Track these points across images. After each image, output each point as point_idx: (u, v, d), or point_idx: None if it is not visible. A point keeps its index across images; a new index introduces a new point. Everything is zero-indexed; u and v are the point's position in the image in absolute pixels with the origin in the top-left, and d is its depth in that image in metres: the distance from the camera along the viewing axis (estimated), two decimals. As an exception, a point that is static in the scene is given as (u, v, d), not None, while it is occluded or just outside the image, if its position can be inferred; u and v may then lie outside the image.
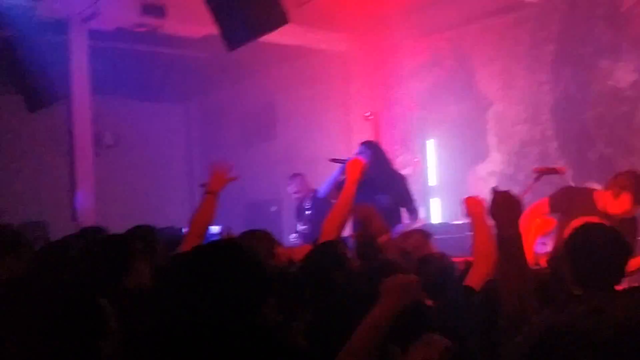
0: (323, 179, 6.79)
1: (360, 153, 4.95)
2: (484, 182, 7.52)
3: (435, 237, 4.19)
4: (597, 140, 6.53)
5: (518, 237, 2.04)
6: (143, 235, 3.42)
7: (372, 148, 5.27)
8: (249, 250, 1.80)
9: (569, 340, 0.76)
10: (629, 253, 2.39)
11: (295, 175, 6.79)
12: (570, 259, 2.29)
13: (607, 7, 6.46)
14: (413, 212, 5.31)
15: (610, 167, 6.39)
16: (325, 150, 8.37)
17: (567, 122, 6.78)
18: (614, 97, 6.39)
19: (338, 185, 4.86)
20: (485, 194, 8.04)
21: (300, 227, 6.39)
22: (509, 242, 2.01)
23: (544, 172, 4.39)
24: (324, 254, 2.72)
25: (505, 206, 2.07)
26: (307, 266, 2.63)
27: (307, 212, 6.21)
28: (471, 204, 2.97)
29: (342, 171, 4.91)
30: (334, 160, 5.03)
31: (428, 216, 7.93)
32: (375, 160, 5.05)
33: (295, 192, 6.64)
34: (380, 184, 4.99)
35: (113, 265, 2.43)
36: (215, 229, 6.10)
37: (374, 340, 1.68)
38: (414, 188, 8.06)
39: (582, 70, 6.65)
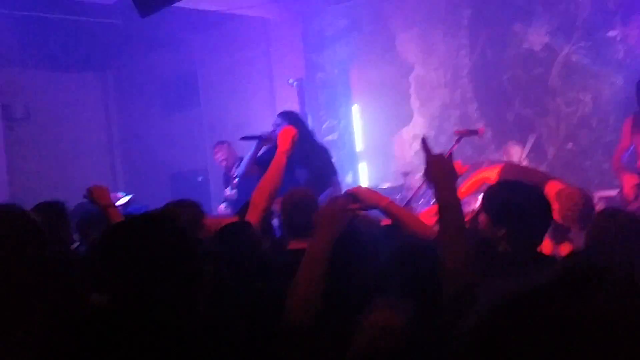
0: (248, 146, 6.73)
1: (276, 125, 4.71)
2: (408, 145, 7.66)
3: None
4: (514, 102, 6.74)
5: (458, 202, 1.96)
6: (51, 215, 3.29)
7: (289, 119, 4.86)
8: (173, 223, 1.72)
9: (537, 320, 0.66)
10: (550, 212, 2.49)
11: (221, 142, 6.69)
12: (495, 215, 2.36)
13: (521, -30, 6.61)
14: (335, 184, 5.09)
15: (528, 126, 6.64)
16: (250, 117, 8.28)
17: (485, 84, 6.96)
18: (529, 59, 6.59)
19: (256, 162, 4.77)
20: (411, 157, 8.22)
21: (229, 193, 6.32)
22: (449, 208, 1.91)
23: (464, 134, 4.49)
24: (233, 234, 2.67)
25: (442, 171, 2.00)
26: (216, 245, 2.59)
27: (235, 180, 6.12)
28: (282, 137, 3.11)
29: (258, 147, 4.82)
30: (245, 139, 4.92)
31: (356, 180, 8.02)
32: (296, 141, 4.66)
33: (221, 160, 6.55)
34: (299, 157, 4.60)
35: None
36: (125, 199, 5.92)
37: (315, 271, 1.82)
38: (341, 154, 8.14)
39: (498, 33, 6.82)
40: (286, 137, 3.37)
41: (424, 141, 2.11)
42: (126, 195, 5.90)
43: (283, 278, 2.06)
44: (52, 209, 3.36)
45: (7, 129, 7.11)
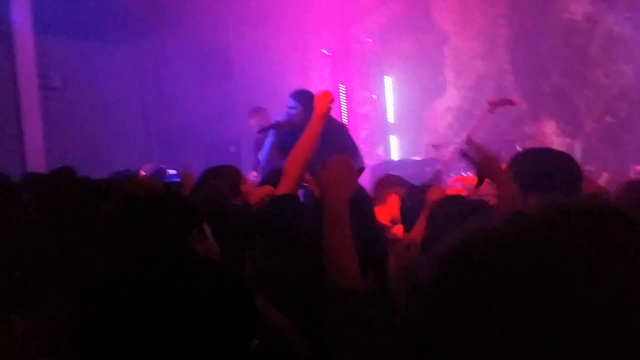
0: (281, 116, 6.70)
1: (291, 108, 4.61)
2: (441, 118, 7.55)
3: (395, 173, 4.18)
4: (552, 73, 6.56)
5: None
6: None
7: (303, 101, 4.57)
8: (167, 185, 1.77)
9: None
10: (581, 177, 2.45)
11: (256, 108, 6.65)
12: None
13: (564, -63, 6.39)
14: (358, 161, 4.99)
15: (565, 99, 6.47)
16: (283, 87, 8.25)
17: (523, 55, 6.79)
18: (569, 30, 6.39)
19: (277, 147, 4.70)
20: (444, 129, 8.07)
21: (262, 160, 6.32)
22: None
23: (497, 104, 4.39)
24: (281, 207, 2.62)
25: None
26: (263, 217, 2.56)
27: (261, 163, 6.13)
28: (319, 101, 3.02)
29: (275, 134, 4.78)
30: (263, 130, 4.90)
31: (387, 153, 7.96)
32: (309, 114, 4.44)
33: (257, 126, 6.52)
34: (322, 136, 4.55)
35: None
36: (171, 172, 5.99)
37: (341, 236, 1.72)
38: (373, 125, 8.07)
39: (537, 3, 6.62)
40: (324, 100, 3.21)
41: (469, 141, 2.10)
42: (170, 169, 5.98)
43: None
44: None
45: (44, 99, 7.21)
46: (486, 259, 0.60)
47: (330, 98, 3.28)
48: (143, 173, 5.44)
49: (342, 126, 5.04)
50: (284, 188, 2.99)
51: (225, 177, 3.02)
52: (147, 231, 1.59)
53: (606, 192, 3.15)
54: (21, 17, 6.62)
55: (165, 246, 1.56)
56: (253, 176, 6.37)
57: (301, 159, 3.02)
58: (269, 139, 4.85)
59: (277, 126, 4.68)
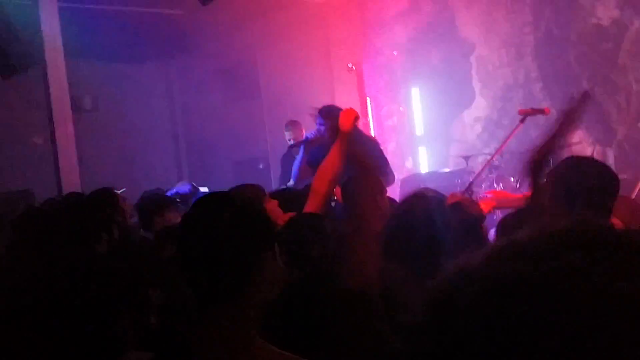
0: (308, 131, 6.73)
1: (320, 124, 4.61)
2: (470, 128, 7.50)
3: (424, 186, 4.18)
4: (581, 80, 6.49)
5: None
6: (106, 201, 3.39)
7: (330, 117, 4.52)
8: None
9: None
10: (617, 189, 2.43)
11: (291, 122, 6.68)
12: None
13: (588, -58, 6.33)
14: (389, 176, 4.88)
15: (596, 105, 6.38)
16: (309, 103, 8.28)
17: (551, 62, 6.72)
18: (597, 35, 6.32)
19: (308, 163, 4.68)
20: (473, 140, 8.05)
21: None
22: None
23: (528, 114, 4.35)
24: (302, 225, 2.63)
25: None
26: (285, 234, 2.57)
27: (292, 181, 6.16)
28: (344, 118, 2.98)
29: (305, 151, 4.79)
30: (292, 147, 4.92)
31: (416, 165, 7.92)
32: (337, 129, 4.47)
33: (292, 139, 6.54)
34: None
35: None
36: (203, 189, 6.06)
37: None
38: (401, 138, 8.05)
39: (563, 8, 6.56)
40: (348, 117, 3.21)
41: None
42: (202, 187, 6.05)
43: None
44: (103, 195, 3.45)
45: (77, 120, 7.36)
46: (469, 303, 0.57)
47: (354, 115, 3.29)
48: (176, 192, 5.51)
49: (372, 141, 5.04)
50: (311, 205, 3.00)
51: (250, 194, 3.06)
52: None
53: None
54: (52, 42, 6.77)
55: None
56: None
57: (328, 177, 3.03)
58: (299, 156, 4.88)
59: (307, 142, 4.71)
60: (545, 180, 2.51)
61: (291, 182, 5.42)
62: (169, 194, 6.09)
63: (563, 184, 2.31)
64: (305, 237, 2.43)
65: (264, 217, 1.58)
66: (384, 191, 3.34)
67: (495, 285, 0.56)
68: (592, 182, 2.26)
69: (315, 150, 4.61)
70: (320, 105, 5.29)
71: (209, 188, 6.39)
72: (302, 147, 4.78)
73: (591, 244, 0.57)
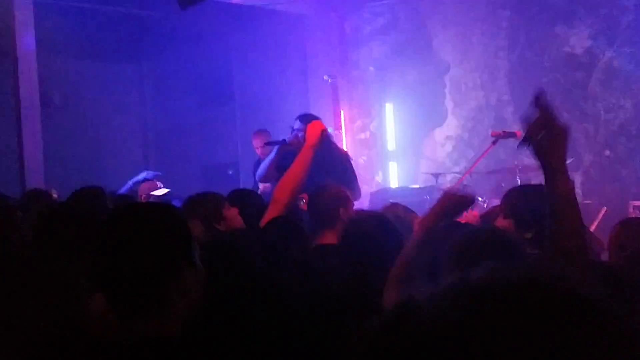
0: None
1: (297, 130, 4.59)
2: (440, 146, 7.58)
3: (393, 201, 4.19)
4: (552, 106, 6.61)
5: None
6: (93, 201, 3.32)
7: (307, 122, 4.44)
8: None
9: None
10: None
11: (260, 131, 6.67)
12: None
13: (563, -28, 6.49)
14: (356, 191, 4.94)
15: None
16: (283, 112, 8.28)
17: (523, 87, 6.84)
18: (569, 63, 6.46)
19: (275, 167, 4.64)
20: (443, 158, 8.14)
21: (262, 188, 6.30)
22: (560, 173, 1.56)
23: (500, 136, 4.42)
24: (281, 227, 2.63)
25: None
26: (264, 238, 2.56)
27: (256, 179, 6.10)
28: (311, 131, 3.02)
29: (278, 153, 4.72)
30: (269, 144, 4.82)
31: (386, 180, 7.97)
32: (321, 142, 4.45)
33: (259, 148, 6.53)
34: (321, 164, 4.31)
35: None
36: (163, 190, 5.97)
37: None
38: (372, 152, 8.09)
39: (537, 36, 6.70)
40: (315, 131, 3.22)
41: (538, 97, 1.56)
42: (164, 188, 5.94)
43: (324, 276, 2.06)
44: (93, 194, 3.38)
45: (45, 116, 7.22)
46: (411, 337, 0.58)
47: (320, 128, 3.29)
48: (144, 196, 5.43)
49: (344, 155, 5.00)
50: (271, 214, 2.99)
51: (207, 204, 3.03)
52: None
53: (593, 244, 3.13)
54: (25, 37, 6.65)
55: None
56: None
57: (290, 186, 3.04)
58: (270, 157, 4.80)
59: (283, 145, 4.60)
60: (502, 207, 2.54)
61: (257, 181, 5.36)
62: (125, 187, 6.05)
63: (524, 211, 2.34)
64: (285, 239, 2.43)
65: (180, 225, 1.51)
66: (349, 203, 3.35)
67: (441, 330, 0.57)
68: (540, 208, 2.30)
69: (288, 154, 4.55)
70: (294, 115, 5.28)
71: (177, 191, 6.30)
72: (276, 148, 4.70)
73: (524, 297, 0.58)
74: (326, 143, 4.57)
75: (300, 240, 2.56)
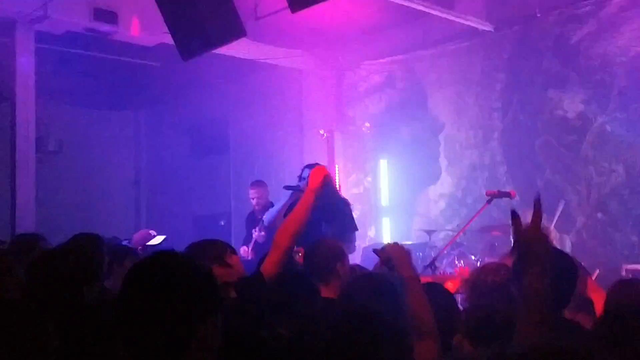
0: (275, 194, 6.72)
1: (304, 178, 4.65)
2: (434, 203, 7.60)
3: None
4: (544, 167, 6.69)
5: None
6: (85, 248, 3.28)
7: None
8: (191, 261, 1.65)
9: None
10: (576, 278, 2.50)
11: (257, 182, 6.67)
12: None
13: (556, 39, 6.66)
14: (352, 240, 4.91)
15: (557, 193, 6.56)
16: (278, 166, 8.32)
17: (516, 148, 6.93)
18: (562, 126, 6.57)
19: (286, 213, 4.66)
20: (436, 215, 8.11)
21: (256, 233, 6.25)
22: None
23: (495, 196, 4.45)
24: (294, 281, 2.61)
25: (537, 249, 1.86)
26: (275, 291, 2.54)
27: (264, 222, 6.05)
28: (313, 176, 3.06)
29: (291, 198, 4.74)
30: (287, 188, 4.84)
31: (379, 235, 7.95)
32: (324, 186, 4.54)
33: (255, 198, 6.51)
34: (325, 212, 4.57)
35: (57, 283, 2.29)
36: (159, 239, 5.92)
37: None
38: (365, 207, 8.10)
39: (531, 99, 6.83)
40: (317, 175, 3.23)
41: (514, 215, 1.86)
42: (159, 235, 5.89)
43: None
44: (91, 242, 3.33)
45: (39, 161, 7.21)
46: None
47: (323, 173, 3.30)
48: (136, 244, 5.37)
49: (345, 201, 5.07)
50: (271, 259, 2.97)
51: (211, 250, 3.00)
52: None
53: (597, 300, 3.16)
54: (24, 81, 6.70)
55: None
56: (244, 251, 6.33)
57: (290, 231, 3.02)
58: (282, 202, 4.81)
59: (298, 191, 4.58)
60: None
61: (265, 226, 5.34)
62: (124, 243, 5.95)
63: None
64: (294, 294, 2.41)
65: (209, 284, 1.53)
66: (344, 258, 3.33)
67: None
68: (556, 264, 2.31)
69: (295, 202, 4.58)
70: (288, 167, 5.33)
71: (167, 240, 6.25)
72: (290, 193, 4.70)
73: None
74: (329, 189, 4.66)
75: (310, 296, 2.53)
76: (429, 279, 4.64)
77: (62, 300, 2.21)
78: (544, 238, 1.85)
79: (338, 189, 5.20)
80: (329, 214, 4.64)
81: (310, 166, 4.92)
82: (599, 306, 2.93)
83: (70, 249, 2.72)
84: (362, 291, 2.42)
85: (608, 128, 6.26)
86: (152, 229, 6.37)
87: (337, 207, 4.85)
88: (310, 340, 1.88)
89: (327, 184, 4.57)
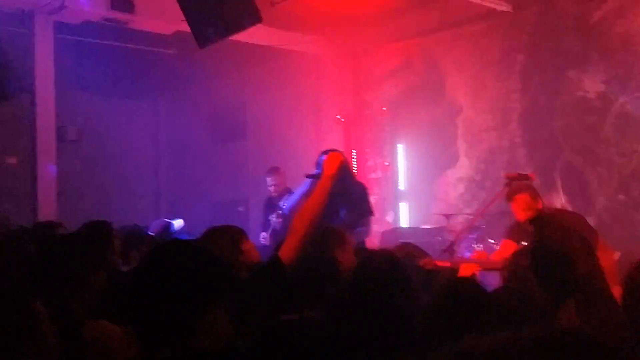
0: (293, 180, 6.73)
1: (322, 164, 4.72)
2: (452, 187, 7.56)
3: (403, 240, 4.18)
4: (564, 149, 6.61)
5: None
6: (97, 235, 3.34)
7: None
8: (201, 249, 1.75)
9: None
10: None
11: (274, 168, 6.68)
12: None
13: (576, 18, 6.55)
14: (367, 224, 5.04)
15: (577, 175, 6.49)
16: (296, 151, 8.32)
17: (536, 130, 6.85)
18: (582, 107, 6.47)
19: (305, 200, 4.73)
20: (454, 199, 8.08)
21: (274, 219, 6.29)
22: None
23: (514, 178, 4.40)
24: (318, 262, 2.63)
25: None
26: (300, 272, 2.57)
27: (283, 208, 6.10)
28: (329, 162, 3.13)
29: (311, 184, 4.80)
30: (309, 176, 4.88)
31: (397, 220, 7.94)
32: (340, 172, 4.76)
33: (273, 185, 6.53)
34: (342, 193, 4.66)
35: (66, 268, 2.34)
36: (179, 222, 5.97)
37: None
38: (384, 192, 8.08)
39: (550, 80, 6.73)
40: (333, 161, 3.25)
41: None
42: (181, 220, 5.97)
43: None
44: (100, 229, 3.40)
45: (59, 150, 7.29)
46: None
47: (339, 159, 3.31)
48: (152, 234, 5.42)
49: (364, 188, 5.16)
50: (288, 245, 2.98)
51: (227, 236, 3.04)
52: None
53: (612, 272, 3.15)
54: (43, 72, 6.77)
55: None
56: (262, 237, 6.36)
57: (308, 217, 3.03)
58: (302, 189, 4.88)
59: (318, 179, 4.64)
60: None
61: (284, 213, 5.43)
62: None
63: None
64: (321, 276, 2.44)
65: (221, 271, 1.63)
66: (346, 245, 3.32)
67: None
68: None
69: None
70: (305, 153, 5.36)
71: (185, 226, 6.30)
72: (311, 181, 4.77)
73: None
74: (347, 174, 4.77)
75: (335, 278, 2.56)
76: (447, 264, 4.64)
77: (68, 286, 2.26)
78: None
79: (355, 174, 5.27)
80: (346, 199, 4.72)
81: (327, 152, 4.99)
82: (605, 263, 2.91)
83: (78, 236, 2.77)
84: (370, 273, 2.41)
85: (629, 108, 6.16)
86: (171, 217, 6.43)
87: (354, 192, 4.92)
88: (341, 323, 1.91)
89: (343, 169, 4.68)
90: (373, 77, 8.29)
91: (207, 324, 1.51)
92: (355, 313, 2.11)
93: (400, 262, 2.46)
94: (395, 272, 2.29)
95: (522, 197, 4.16)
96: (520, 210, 4.16)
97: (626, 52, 6.18)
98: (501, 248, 4.51)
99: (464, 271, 3.23)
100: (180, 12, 5.52)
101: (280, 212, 6.13)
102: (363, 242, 5.07)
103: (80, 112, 9.25)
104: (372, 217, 5.17)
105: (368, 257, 2.61)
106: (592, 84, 6.40)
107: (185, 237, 5.11)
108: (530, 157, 6.90)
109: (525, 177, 4.57)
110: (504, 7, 6.95)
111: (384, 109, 8.12)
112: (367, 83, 8.35)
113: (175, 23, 6.26)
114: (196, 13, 5.43)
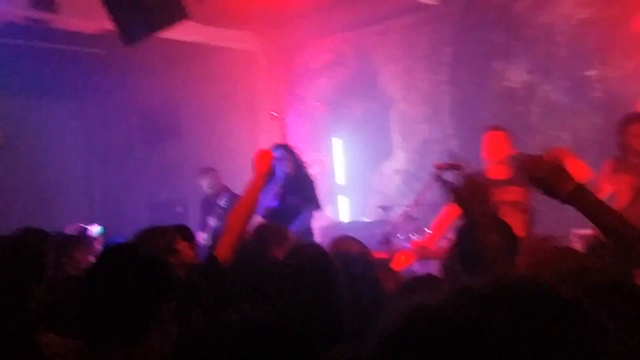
0: (230, 177, 6.68)
1: (278, 159, 5.07)
2: (389, 179, 7.67)
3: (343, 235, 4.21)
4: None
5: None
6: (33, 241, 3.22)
7: (287, 150, 5.42)
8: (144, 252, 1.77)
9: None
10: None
11: (208, 169, 6.64)
12: None
13: (499, 10, 6.74)
14: (310, 215, 5.44)
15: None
16: (232, 149, 8.26)
17: (466, 121, 7.02)
18: (509, 97, 6.68)
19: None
20: (391, 191, 8.18)
21: (213, 222, 6.26)
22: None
23: (444, 168, 4.49)
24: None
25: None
26: (239, 273, 2.55)
27: (222, 208, 6.12)
28: (260, 160, 3.19)
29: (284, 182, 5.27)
30: (288, 174, 5.43)
31: (336, 214, 7.99)
32: (293, 162, 5.32)
33: (208, 186, 6.48)
34: (295, 185, 5.21)
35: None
36: (97, 228, 5.84)
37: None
38: (322, 186, 8.12)
39: (478, 71, 6.91)
40: (263, 159, 3.27)
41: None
42: (98, 226, 5.82)
43: None
44: (36, 235, 3.28)
45: (-16, 156, 7.03)
46: (426, 338, 0.63)
47: (269, 156, 3.33)
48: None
49: (312, 181, 5.56)
50: (225, 243, 2.97)
51: (161, 236, 3.01)
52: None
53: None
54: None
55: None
56: (201, 238, 6.29)
57: (243, 214, 3.02)
58: (279, 182, 5.16)
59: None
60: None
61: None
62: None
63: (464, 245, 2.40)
64: (259, 275, 2.43)
65: (165, 270, 1.71)
66: (285, 242, 3.34)
67: (454, 328, 0.63)
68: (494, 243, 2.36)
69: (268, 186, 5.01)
70: (242, 151, 5.54)
71: (124, 229, 6.16)
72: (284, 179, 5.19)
73: (528, 297, 0.67)
74: (301, 166, 5.41)
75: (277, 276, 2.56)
76: (384, 255, 4.71)
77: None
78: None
79: (305, 165, 5.61)
80: (295, 186, 5.11)
81: (279, 146, 5.41)
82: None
83: (14, 241, 2.68)
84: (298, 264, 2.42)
85: (553, 96, 6.39)
86: (107, 220, 6.30)
87: (303, 179, 5.41)
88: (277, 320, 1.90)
89: (295, 162, 5.23)
90: (306, 71, 8.31)
91: (159, 326, 1.59)
92: (286, 307, 2.12)
93: (328, 254, 2.48)
94: (321, 263, 2.31)
95: None
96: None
97: (549, 42, 6.41)
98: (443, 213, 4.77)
99: (398, 261, 3.29)
100: (104, 10, 5.37)
101: (220, 213, 6.13)
102: (310, 230, 5.22)
103: (5, 116, 8.91)
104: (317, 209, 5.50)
105: (295, 249, 2.62)
106: (517, 74, 6.60)
107: (120, 240, 5.00)
108: (462, 148, 7.05)
109: (455, 166, 4.67)
110: (430, 1, 7.09)
111: (317, 103, 8.15)
112: (301, 78, 8.36)
113: (101, 21, 6.09)
114: (120, 10, 5.29)
